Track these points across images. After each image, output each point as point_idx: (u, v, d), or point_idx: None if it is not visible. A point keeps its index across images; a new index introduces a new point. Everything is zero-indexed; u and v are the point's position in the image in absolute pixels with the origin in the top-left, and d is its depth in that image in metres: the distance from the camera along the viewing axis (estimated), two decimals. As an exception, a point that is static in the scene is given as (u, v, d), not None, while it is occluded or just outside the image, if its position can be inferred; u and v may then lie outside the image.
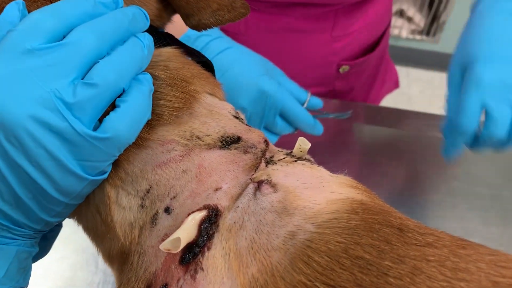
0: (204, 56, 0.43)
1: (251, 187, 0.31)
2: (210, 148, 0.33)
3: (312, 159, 0.39)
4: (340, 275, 0.25)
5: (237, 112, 0.39)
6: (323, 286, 0.25)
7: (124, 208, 0.33)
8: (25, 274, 0.33)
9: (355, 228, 0.28)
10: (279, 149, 0.38)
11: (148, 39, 0.36)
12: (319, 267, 0.26)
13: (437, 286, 0.24)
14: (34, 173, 0.28)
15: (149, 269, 0.31)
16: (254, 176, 0.32)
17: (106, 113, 0.30)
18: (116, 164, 0.33)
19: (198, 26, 0.40)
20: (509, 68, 0.52)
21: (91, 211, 0.34)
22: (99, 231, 0.34)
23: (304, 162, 0.36)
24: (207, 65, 0.44)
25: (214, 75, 0.45)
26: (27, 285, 0.33)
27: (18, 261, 0.32)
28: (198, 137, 0.34)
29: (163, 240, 0.31)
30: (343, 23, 0.83)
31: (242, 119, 0.39)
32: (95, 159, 0.29)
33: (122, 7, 0.35)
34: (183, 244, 0.29)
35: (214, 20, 0.39)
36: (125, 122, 0.30)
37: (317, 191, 0.31)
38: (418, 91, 2.47)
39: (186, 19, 0.39)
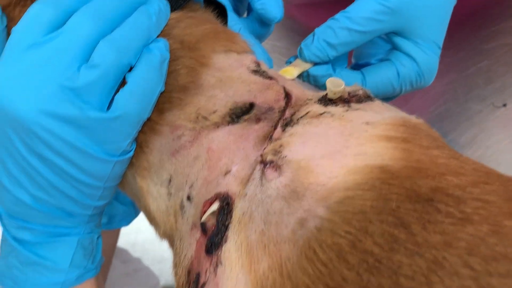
0: None
1: (258, 169, 0.29)
2: (218, 127, 0.31)
3: (359, 93, 0.34)
4: (345, 276, 0.22)
5: (258, 64, 0.35)
6: (326, 289, 0.23)
7: (155, 197, 0.33)
8: (93, 257, 0.37)
9: (368, 212, 0.24)
10: (309, 98, 0.33)
11: (159, 3, 0.34)
12: (322, 267, 0.23)
13: (458, 285, 0.20)
14: (62, 163, 0.29)
15: (187, 255, 0.31)
16: (265, 150, 0.29)
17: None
18: (138, 154, 0.33)
19: None
20: None
21: (135, 199, 0.36)
22: (146, 216, 0.36)
23: (334, 112, 0.31)
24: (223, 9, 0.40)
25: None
26: (97, 267, 0.37)
27: (82, 249, 0.35)
28: (204, 118, 0.31)
29: (192, 229, 0.31)
30: None
31: (264, 71, 0.35)
32: (113, 140, 0.30)
33: None
34: None
35: None
36: (134, 98, 0.30)
37: (337, 158, 0.27)
38: None
39: None
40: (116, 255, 0.70)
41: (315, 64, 0.39)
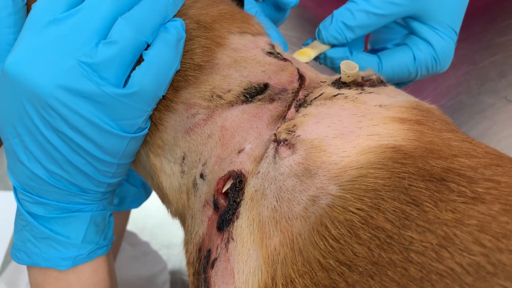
0: None
1: (271, 147, 0.29)
2: (232, 106, 0.31)
3: (372, 77, 0.34)
4: (356, 251, 0.22)
5: (273, 46, 0.35)
6: (336, 264, 0.23)
7: (169, 175, 0.34)
8: (105, 234, 0.37)
9: (380, 189, 0.24)
10: (323, 80, 0.34)
11: None
12: (333, 242, 0.23)
13: (469, 262, 0.20)
14: (77, 138, 0.30)
15: (199, 232, 0.32)
16: (278, 129, 0.29)
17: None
18: (153, 132, 0.33)
19: None
20: None
21: (148, 178, 0.36)
22: (159, 195, 0.36)
23: (348, 94, 0.31)
24: None
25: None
26: (109, 245, 0.38)
27: (94, 225, 0.36)
28: (219, 96, 0.31)
29: (204, 206, 0.31)
30: None
31: (278, 53, 0.35)
32: (128, 116, 0.30)
33: None
34: None
35: None
36: (150, 75, 0.30)
37: (349, 138, 0.27)
38: None
39: None
40: (125, 238, 0.71)
41: (332, 46, 0.40)
